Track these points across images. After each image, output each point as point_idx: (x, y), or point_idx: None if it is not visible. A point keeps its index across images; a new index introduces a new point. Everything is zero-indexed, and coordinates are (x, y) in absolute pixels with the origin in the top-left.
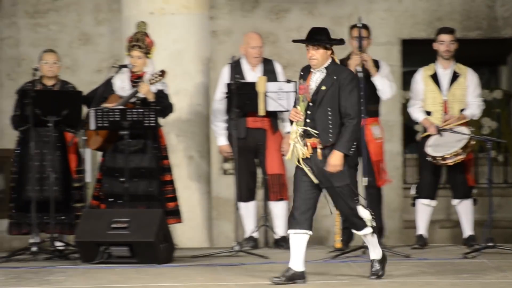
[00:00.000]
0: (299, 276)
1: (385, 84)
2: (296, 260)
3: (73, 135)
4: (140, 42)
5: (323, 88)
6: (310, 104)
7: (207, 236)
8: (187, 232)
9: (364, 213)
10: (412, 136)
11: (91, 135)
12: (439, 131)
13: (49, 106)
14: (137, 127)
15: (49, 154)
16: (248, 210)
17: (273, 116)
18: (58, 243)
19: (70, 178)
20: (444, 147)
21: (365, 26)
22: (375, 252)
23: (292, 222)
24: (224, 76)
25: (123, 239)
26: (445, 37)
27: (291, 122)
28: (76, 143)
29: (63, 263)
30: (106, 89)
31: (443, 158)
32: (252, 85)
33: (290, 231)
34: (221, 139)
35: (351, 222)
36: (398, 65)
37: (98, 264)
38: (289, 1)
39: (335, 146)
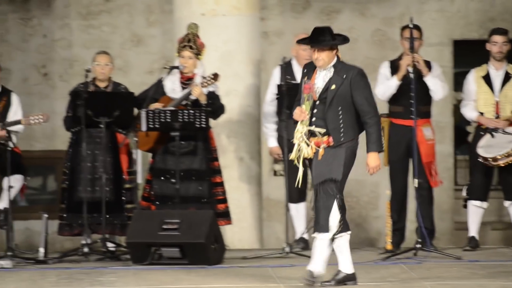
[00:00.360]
0: (350, 278)
1: (437, 84)
2: (344, 262)
3: (125, 136)
4: (191, 42)
5: (333, 87)
6: (317, 102)
7: (257, 238)
8: (238, 234)
9: (334, 218)
10: (463, 137)
11: (142, 136)
12: (491, 132)
13: (101, 107)
14: (188, 129)
15: (100, 155)
16: (298, 212)
17: None
18: (109, 244)
19: (121, 179)
20: (496, 148)
21: (416, 27)
22: (322, 262)
23: (315, 226)
24: (275, 77)
25: (174, 240)
26: (498, 38)
27: (295, 121)
28: (128, 144)
29: (114, 264)
30: (157, 90)
31: (495, 159)
32: None
33: (314, 235)
34: (271, 140)
35: (317, 219)
36: (450, 66)
37: (149, 265)
38: (341, 2)
39: (368, 148)
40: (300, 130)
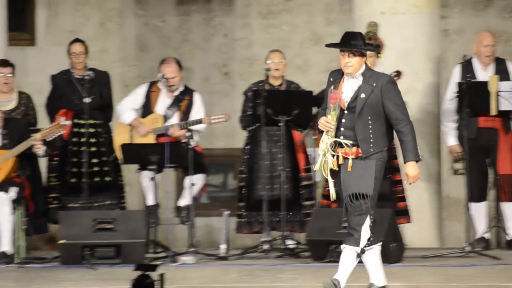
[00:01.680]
0: None
1: None
2: (376, 275)
3: (303, 134)
4: (372, 41)
5: (362, 96)
6: (345, 112)
7: (437, 236)
8: (417, 232)
9: (366, 233)
10: None
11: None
12: None
13: (280, 106)
14: None
15: (279, 153)
16: (479, 211)
17: (505, 116)
18: (289, 242)
19: (299, 177)
20: None
21: None
22: (346, 275)
23: (345, 238)
24: (455, 75)
25: None
26: None
27: (320, 131)
28: (304, 142)
29: (294, 261)
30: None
31: None
32: (483, 84)
33: (342, 246)
34: (451, 139)
35: (348, 233)
36: None
37: (328, 263)
38: None
39: (405, 158)
40: (326, 141)
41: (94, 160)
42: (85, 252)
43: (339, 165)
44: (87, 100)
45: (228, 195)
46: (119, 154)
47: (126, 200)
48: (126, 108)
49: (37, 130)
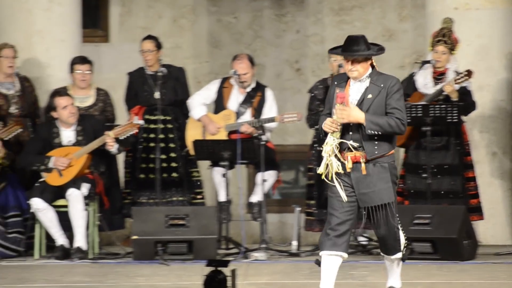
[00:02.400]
0: None
1: None
2: (326, 282)
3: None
4: (446, 37)
5: (369, 96)
6: None
7: (510, 233)
8: (490, 229)
9: (402, 236)
10: None
11: None
12: None
13: None
14: (440, 123)
15: None
16: None
17: None
18: (361, 238)
19: None
20: None
21: None
22: (396, 280)
23: (327, 243)
24: None
25: (425, 235)
26: None
27: (325, 133)
28: None
29: (366, 257)
30: (408, 85)
31: None
32: None
33: (324, 252)
34: None
35: (385, 244)
36: None
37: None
38: None
39: (368, 114)
40: (330, 143)
41: (163, 156)
42: (157, 247)
43: (344, 170)
44: (156, 95)
45: (300, 191)
46: (191, 150)
47: (204, 196)
48: (197, 103)
49: (111, 127)
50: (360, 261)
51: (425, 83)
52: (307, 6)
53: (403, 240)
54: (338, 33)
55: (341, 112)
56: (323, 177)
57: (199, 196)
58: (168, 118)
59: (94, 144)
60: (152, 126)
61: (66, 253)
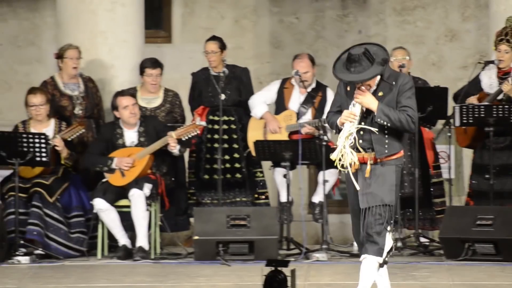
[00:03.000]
0: None
1: None
2: (385, 284)
3: (431, 131)
4: (509, 36)
5: (380, 94)
6: (364, 115)
7: None
8: None
9: (390, 241)
10: None
11: (460, 133)
12: None
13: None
14: (503, 124)
15: (410, 150)
16: None
17: None
18: (422, 239)
19: (428, 174)
20: None
21: None
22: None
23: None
24: None
25: (488, 236)
26: None
27: (339, 130)
28: (432, 139)
29: (428, 259)
30: (473, 86)
31: None
32: None
33: (376, 258)
34: None
35: (368, 244)
36: None
37: (462, 261)
38: None
39: (381, 104)
40: (348, 129)
41: (226, 157)
42: (219, 248)
43: (356, 171)
44: (222, 97)
45: None
46: (252, 150)
47: (267, 196)
48: (258, 101)
49: (174, 128)
50: (421, 262)
51: (490, 83)
52: (369, 6)
53: (390, 245)
54: (400, 33)
55: (359, 92)
56: (335, 164)
57: (262, 197)
58: (231, 118)
59: (156, 145)
60: (216, 127)
61: (128, 253)
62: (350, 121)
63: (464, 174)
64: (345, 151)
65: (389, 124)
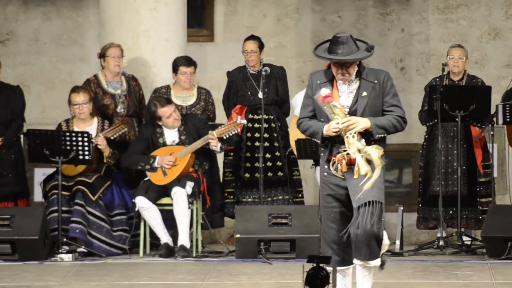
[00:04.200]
0: None
1: None
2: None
3: (480, 130)
4: None
5: (364, 94)
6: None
7: None
8: None
9: (386, 241)
10: None
11: (510, 132)
12: None
13: (457, 101)
14: None
15: (455, 148)
16: None
17: None
18: (465, 238)
19: (476, 173)
20: None
21: None
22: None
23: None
24: None
25: None
26: None
27: (323, 140)
28: (483, 138)
29: (470, 257)
30: None
31: None
32: None
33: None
34: None
35: (364, 247)
36: None
37: (506, 260)
38: None
39: (372, 119)
40: (351, 141)
41: (267, 156)
42: (260, 246)
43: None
44: (261, 95)
45: (403, 190)
46: (294, 149)
47: (303, 194)
48: (298, 101)
49: (215, 126)
50: (464, 261)
51: None
52: (412, 5)
53: (386, 242)
54: (443, 31)
55: (349, 124)
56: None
57: (299, 195)
58: (271, 117)
59: (198, 144)
60: (256, 125)
61: (170, 251)
62: (343, 129)
63: (507, 172)
64: (350, 142)
65: (386, 134)
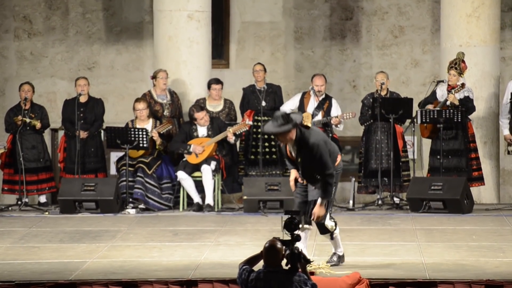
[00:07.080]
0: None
1: None
2: (340, 247)
3: (402, 127)
4: (457, 65)
5: (299, 160)
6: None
7: (495, 196)
8: (482, 193)
9: (330, 223)
10: None
11: (423, 128)
12: None
13: (390, 108)
14: (449, 122)
15: (386, 139)
16: None
17: None
18: (395, 199)
19: (399, 155)
20: None
21: None
22: (338, 249)
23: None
24: (509, 87)
25: (438, 197)
26: None
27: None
28: (402, 132)
29: (399, 212)
30: (430, 97)
31: None
32: None
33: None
34: (505, 130)
35: (318, 226)
36: None
37: (422, 213)
38: None
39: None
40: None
41: (266, 144)
42: (260, 204)
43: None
44: (263, 104)
45: (355, 167)
46: None
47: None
48: (287, 107)
49: (231, 125)
50: (394, 214)
51: (441, 94)
52: (361, 44)
53: (331, 225)
54: (381, 62)
55: (318, 215)
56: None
57: (287, 171)
58: (269, 118)
59: (219, 137)
60: (260, 124)
61: (200, 208)
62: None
63: (423, 156)
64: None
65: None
